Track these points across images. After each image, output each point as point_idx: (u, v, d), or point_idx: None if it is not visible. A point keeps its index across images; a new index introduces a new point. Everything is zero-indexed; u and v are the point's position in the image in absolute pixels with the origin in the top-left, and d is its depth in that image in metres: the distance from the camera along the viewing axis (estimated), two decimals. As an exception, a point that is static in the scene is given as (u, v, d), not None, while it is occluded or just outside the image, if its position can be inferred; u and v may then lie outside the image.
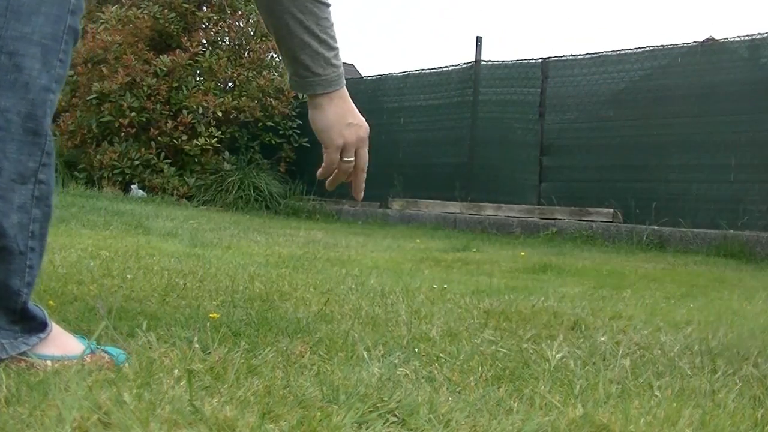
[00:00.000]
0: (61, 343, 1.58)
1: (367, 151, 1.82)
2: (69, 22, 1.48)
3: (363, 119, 1.82)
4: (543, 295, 3.19)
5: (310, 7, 1.65)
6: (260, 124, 9.96)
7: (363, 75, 15.49)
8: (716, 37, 7.72)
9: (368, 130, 1.81)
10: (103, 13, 9.61)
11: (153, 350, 1.72)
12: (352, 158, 1.81)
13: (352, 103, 1.83)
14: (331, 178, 1.83)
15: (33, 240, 1.48)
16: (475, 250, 5.73)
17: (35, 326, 1.53)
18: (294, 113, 10.25)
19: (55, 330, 1.61)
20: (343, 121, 1.78)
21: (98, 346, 1.63)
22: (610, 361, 1.94)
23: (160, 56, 9.26)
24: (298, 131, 10.36)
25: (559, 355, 1.94)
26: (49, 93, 1.46)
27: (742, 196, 6.92)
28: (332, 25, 1.73)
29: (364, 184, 1.88)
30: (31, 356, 1.52)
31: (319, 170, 1.84)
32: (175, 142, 9.31)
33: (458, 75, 9.32)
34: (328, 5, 1.71)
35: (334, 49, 1.74)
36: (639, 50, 7.84)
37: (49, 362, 1.52)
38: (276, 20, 1.66)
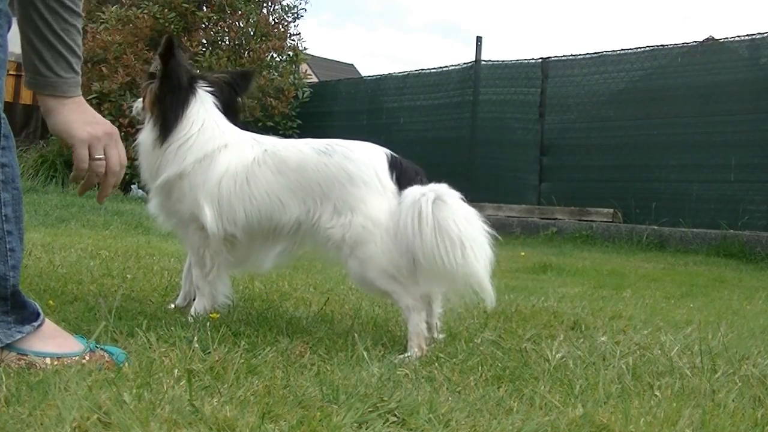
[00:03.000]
0: (60, 341, 1.59)
1: (119, 152, 1.75)
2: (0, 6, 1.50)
3: (109, 123, 1.78)
4: (543, 295, 3.19)
5: (57, 8, 1.65)
6: (260, 124, 9.96)
7: (363, 75, 15.52)
8: (716, 37, 7.72)
9: (117, 131, 1.76)
10: (103, 13, 9.60)
11: (153, 350, 1.72)
12: (102, 156, 1.74)
13: (93, 110, 1.78)
14: (83, 182, 1.75)
15: (8, 224, 1.50)
16: (475, 250, 5.72)
17: (27, 315, 1.53)
18: (294, 113, 10.26)
19: (54, 329, 1.62)
20: (86, 119, 1.73)
21: (98, 345, 1.63)
22: (610, 361, 1.94)
23: (160, 56, 9.27)
24: (298, 131, 10.36)
25: (559, 355, 1.94)
26: None
27: (742, 196, 6.92)
28: (80, 34, 1.72)
29: (111, 190, 1.79)
30: (29, 353, 1.52)
31: (72, 174, 1.76)
32: (175, 142, 9.32)
33: (458, 75, 9.33)
34: (79, 15, 1.70)
35: (78, 56, 1.73)
36: (639, 50, 7.84)
37: (48, 360, 1.53)
38: (25, 16, 1.66)
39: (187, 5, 9.54)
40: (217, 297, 2.21)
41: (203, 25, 9.93)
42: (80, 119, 1.72)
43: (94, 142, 1.72)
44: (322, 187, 2.07)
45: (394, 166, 2.07)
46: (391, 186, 2.04)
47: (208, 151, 2.17)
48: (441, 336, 2.13)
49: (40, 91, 1.72)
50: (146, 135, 2.24)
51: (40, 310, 1.57)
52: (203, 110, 2.22)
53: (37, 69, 1.70)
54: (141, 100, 2.29)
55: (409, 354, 1.91)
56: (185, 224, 2.21)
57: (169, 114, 2.18)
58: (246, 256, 2.26)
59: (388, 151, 2.12)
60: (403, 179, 2.05)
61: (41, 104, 1.74)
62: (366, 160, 2.07)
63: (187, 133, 2.18)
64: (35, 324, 1.54)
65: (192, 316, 2.13)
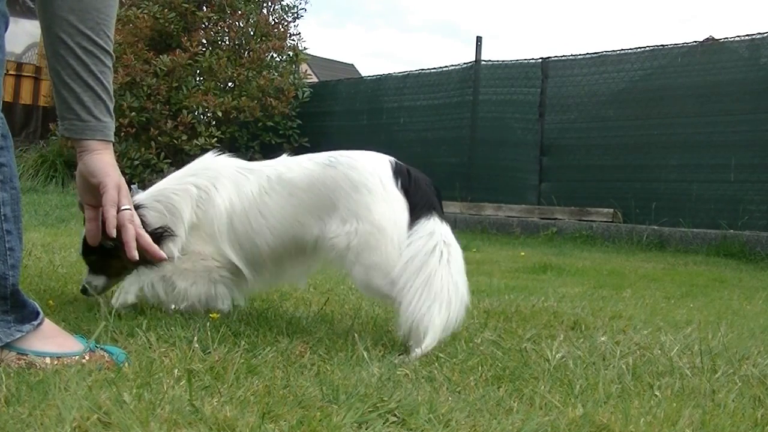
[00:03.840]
0: (59, 341, 1.59)
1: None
2: None
3: None
4: (543, 295, 3.19)
5: (94, 51, 1.65)
6: (260, 124, 9.96)
7: (363, 75, 15.51)
8: (716, 37, 7.72)
9: None
10: (103, 13, 9.61)
11: (153, 350, 1.72)
12: (131, 207, 1.80)
13: None
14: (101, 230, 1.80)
15: (7, 223, 1.50)
16: (475, 250, 5.73)
17: (27, 314, 1.54)
18: (294, 113, 10.25)
19: (54, 329, 1.62)
20: (115, 165, 1.78)
21: (97, 345, 1.64)
22: (610, 361, 1.94)
23: (160, 56, 9.26)
24: (298, 131, 10.36)
25: (559, 355, 1.94)
26: None
27: (742, 196, 6.92)
28: (111, 76, 1.73)
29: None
30: (28, 352, 1.53)
31: (103, 223, 1.79)
32: (175, 142, 9.31)
33: (458, 75, 9.33)
34: (112, 56, 1.71)
35: (112, 100, 1.75)
36: (639, 50, 7.84)
37: (47, 359, 1.53)
38: (60, 60, 1.65)
39: (187, 5, 9.53)
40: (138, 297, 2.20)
41: (203, 25, 9.92)
42: (114, 164, 1.77)
43: (123, 190, 1.78)
44: (330, 200, 2.08)
45: (399, 173, 2.08)
46: (396, 193, 2.05)
47: (194, 195, 2.17)
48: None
49: (81, 137, 1.72)
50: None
51: (40, 310, 1.57)
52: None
53: (77, 114, 1.70)
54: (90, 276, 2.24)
55: (413, 354, 1.91)
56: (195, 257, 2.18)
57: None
58: (274, 278, 2.28)
59: (393, 159, 2.13)
60: (410, 187, 2.06)
61: (77, 147, 1.75)
62: (370, 168, 2.08)
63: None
64: (35, 323, 1.54)
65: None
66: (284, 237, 2.13)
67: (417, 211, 2.03)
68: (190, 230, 2.17)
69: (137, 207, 2.05)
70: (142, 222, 1.98)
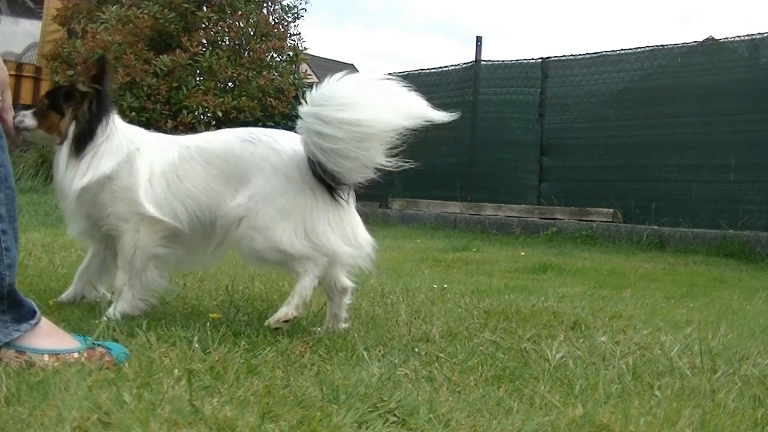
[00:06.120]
0: (57, 338, 1.59)
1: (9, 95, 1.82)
2: None
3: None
4: (543, 295, 3.19)
5: None
6: (260, 124, 9.96)
7: (363, 75, 15.47)
8: (716, 37, 7.72)
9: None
10: (103, 13, 9.59)
11: (153, 350, 1.72)
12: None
13: None
14: None
15: (2, 223, 1.50)
16: (475, 250, 5.73)
17: (24, 314, 1.54)
18: (294, 113, 10.23)
19: (51, 327, 1.62)
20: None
21: (95, 342, 1.64)
22: (610, 361, 1.94)
23: (160, 56, 9.25)
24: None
25: (559, 355, 1.94)
26: None
27: (742, 196, 6.92)
28: None
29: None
30: (27, 350, 1.53)
31: None
32: (175, 142, 9.32)
33: (458, 75, 9.32)
34: None
35: None
36: (639, 50, 7.83)
37: (46, 357, 1.53)
38: None
39: (187, 5, 9.53)
40: (137, 303, 2.20)
41: (203, 25, 9.92)
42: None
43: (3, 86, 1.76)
44: (246, 173, 2.13)
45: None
46: (309, 180, 2.09)
47: (123, 154, 2.21)
48: (345, 326, 2.22)
49: None
50: (63, 150, 2.24)
51: (37, 309, 1.58)
52: (112, 120, 2.27)
53: None
54: (31, 113, 2.29)
55: (285, 308, 2.03)
56: (120, 224, 2.21)
57: (87, 130, 2.21)
58: (190, 252, 2.31)
59: None
60: (326, 174, 2.07)
61: None
62: (291, 153, 2.13)
63: (100, 143, 2.22)
64: (32, 322, 1.54)
65: (107, 318, 2.09)
66: (200, 203, 2.18)
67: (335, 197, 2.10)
68: (105, 183, 2.19)
69: None
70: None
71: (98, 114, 2.21)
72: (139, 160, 2.20)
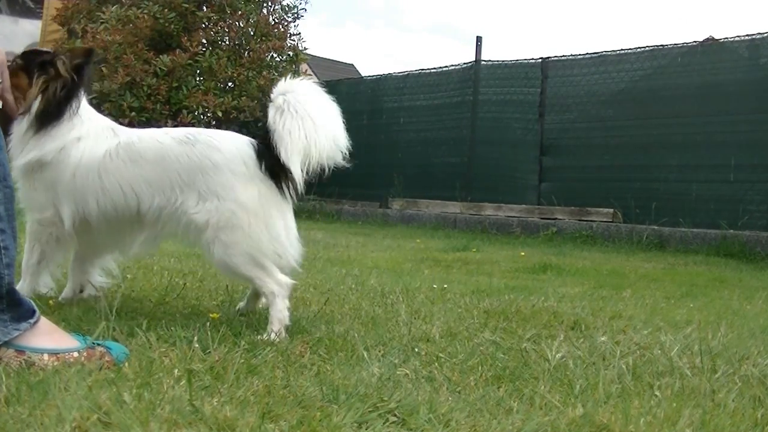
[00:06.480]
0: (56, 338, 1.59)
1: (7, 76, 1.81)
2: None
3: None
4: (543, 295, 3.19)
5: None
6: (260, 124, 9.95)
7: (363, 75, 15.50)
8: (716, 37, 7.72)
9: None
10: (103, 13, 9.60)
11: (153, 350, 1.72)
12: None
13: None
14: None
15: (1, 222, 1.50)
16: (475, 250, 5.73)
17: (23, 313, 1.54)
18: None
19: (50, 326, 1.62)
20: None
21: (95, 342, 1.64)
22: (610, 361, 1.93)
23: (160, 56, 9.25)
24: (298, 131, 10.37)
25: (559, 355, 1.94)
26: None
27: (742, 196, 6.92)
28: None
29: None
30: (26, 349, 1.53)
31: None
32: (175, 142, 9.31)
33: (458, 75, 9.32)
34: None
35: None
36: (639, 50, 7.83)
37: (45, 356, 1.53)
38: None
39: (187, 5, 9.53)
40: (37, 286, 2.27)
41: (203, 25, 9.92)
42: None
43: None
44: (183, 176, 2.11)
45: (261, 155, 2.12)
46: (259, 174, 2.10)
47: (66, 141, 2.20)
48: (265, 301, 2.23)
49: None
50: (23, 123, 2.24)
51: (36, 308, 1.58)
52: (78, 106, 2.26)
53: None
54: None
55: (267, 336, 1.98)
56: (32, 212, 2.24)
57: (52, 111, 2.20)
58: (108, 242, 2.32)
59: (254, 141, 2.17)
60: (275, 169, 2.09)
61: None
62: (233, 150, 2.13)
63: (54, 125, 2.22)
64: (31, 321, 1.54)
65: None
66: (117, 201, 2.17)
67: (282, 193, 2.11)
68: (38, 167, 2.20)
69: None
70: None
71: (66, 99, 2.20)
72: (74, 151, 2.20)
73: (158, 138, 2.20)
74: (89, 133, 2.24)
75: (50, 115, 2.19)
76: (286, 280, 2.11)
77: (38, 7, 10.79)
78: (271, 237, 2.08)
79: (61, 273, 2.44)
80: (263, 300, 2.26)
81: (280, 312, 2.05)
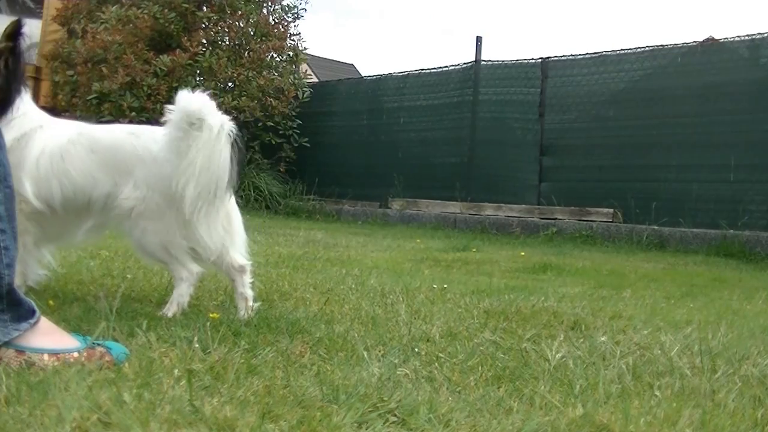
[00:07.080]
0: (56, 338, 1.59)
1: None
2: None
3: None
4: (543, 295, 3.19)
5: None
6: (260, 124, 9.95)
7: (363, 75, 15.50)
8: (716, 37, 7.71)
9: None
10: (103, 13, 9.60)
11: (153, 350, 1.72)
12: None
13: None
14: None
15: (1, 222, 1.50)
16: (475, 250, 5.73)
17: (23, 313, 1.54)
18: (294, 113, 10.24)
19: (50, 326, 1.62)
20: None
21: (95, 342, 1.64)
22: (610, 361, 1.94)
23: (160, 56, 9.26)
24: (298, 131, 10.36)
25: (559, 355, 1.94)
26: None
27: (742, 196, 6.91)
28: None
29: None
30: (26, 349, 1.53)
31: None
32: (175, 142, 9.31)
33: (458, 75, 9.32)
34: None
35: None
36: (639, 50, 7.83)
37: (45, 356, 1.53)
38: None
39: (187, 5, 9.53)
40: (28, 275, 2.31)
41: (203, 25, 9.92)
42: None
43: None
44: (128, 164, 2.25)
45: None
46: None
47: (26, 130, 2.27)
48: (256, 304, 2.36)
49: None
50: None
51: (36, 308, 1.58)
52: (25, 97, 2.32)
53: None
54: None
55: (164, 311, 2.18)
56: None
57: (3, 87, 2.20)
58: (60, 231, 2.40)
59: None
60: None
61: None
62: None
63: (11, 116, 2.25)
64: (31, 321, 1.54)
65: None
66: (77, 186, 2.27)
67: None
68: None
69: None
70: None
71: (14, 73, 2.19)
72: (37, 138, 2.27)
73: (112, 129, 2.38)
74: (49, 123, 2.34)
75: (4, 91, 2.19)
76: (197, 268, 2.29)
77: (38, 7, 10.78)
78: (188, 232, 2.23)
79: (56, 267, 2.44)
80: (247, 279, 2.37)
81: (181, 296, 2.24)
